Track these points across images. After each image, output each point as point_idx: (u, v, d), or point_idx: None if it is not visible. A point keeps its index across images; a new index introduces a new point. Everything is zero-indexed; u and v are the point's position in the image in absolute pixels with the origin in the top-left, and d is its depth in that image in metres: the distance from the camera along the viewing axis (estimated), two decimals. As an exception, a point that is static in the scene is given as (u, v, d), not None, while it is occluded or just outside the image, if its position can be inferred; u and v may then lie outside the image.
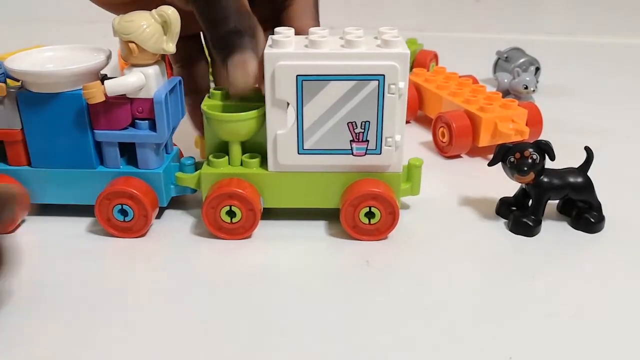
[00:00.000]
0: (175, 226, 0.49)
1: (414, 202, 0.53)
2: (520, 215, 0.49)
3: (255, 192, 0.47)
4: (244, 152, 0.49)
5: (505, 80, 0.74)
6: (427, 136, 0.67)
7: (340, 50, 0.45)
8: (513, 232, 0.49)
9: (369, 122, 0.46)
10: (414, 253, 0.46)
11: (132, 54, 0.44)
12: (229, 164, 0.49)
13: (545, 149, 0.47)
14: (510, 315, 0.40)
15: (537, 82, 0.73)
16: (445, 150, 0.63)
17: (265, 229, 0.49)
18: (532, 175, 0.47)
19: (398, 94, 0.45)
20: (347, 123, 0.46)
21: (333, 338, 0.38)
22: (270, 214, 0.49)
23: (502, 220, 0.51)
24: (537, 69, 0.83)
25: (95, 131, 0.46)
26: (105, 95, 0.44)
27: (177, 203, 0.52)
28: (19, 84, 0.46)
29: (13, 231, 0.48)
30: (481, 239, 0.48)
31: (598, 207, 0.49)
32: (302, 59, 0.44)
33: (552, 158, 0.48)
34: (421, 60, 0.88)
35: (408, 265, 0.45)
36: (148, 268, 0.45)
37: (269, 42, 0.46)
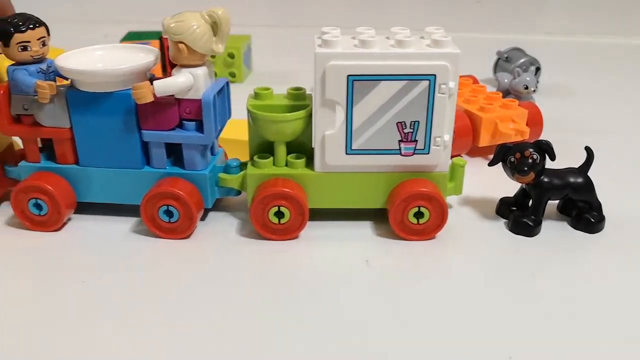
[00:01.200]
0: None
1: None
2: (520, 215, 0.49)
3: (303, 192, 0.47)
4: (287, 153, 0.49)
5: (506, 80, 0.74)
6: None
7: (392, 50, 0.44)
8: (513, 232, 0.49)
9: (418, 122, 0.46)
10: (413, 253, 0.46)
11: (181, 55, 0.44)
12: (274, 164, 0.48)
13: (545, 149, 0.47)
14: (510, 315, 0.40)
15: (538, 82, 0.73)
16: None
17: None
18: (532, 175, 0.47)
19: (448, 93, 0.45)
20: (396, 123, 0.46)
21: (333, 337, 0.38)
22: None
23: (503, 220, 0.51)
24: (538, 69, 0.83)
25: (143, 131, 0.46)
26: (154, 95, 0.44)
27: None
28: (68, 82, 0.46)
29: (59, 229, 0.48)
30: (481, 239, 0.48)
31: (598, 207, 0.49)
32: (353, 59, 0.44)
33: (553, 158, 0.48)
34: None
35: (407, 265, 0.45)
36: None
37: (318, 41, 0.45)
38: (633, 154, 0.56)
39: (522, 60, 0.83)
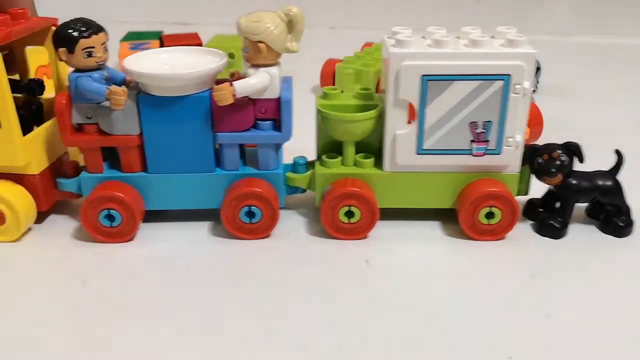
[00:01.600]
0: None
1: None
2: (546, 217, 0.49)
3: (372, 192, 0.47)
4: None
5: None
6: None
7: (466, 50, 0.44)
8: (539, 234, 0.49)
9: (491, 122, 0.46)
10: (418, 253, 0.47)
11: (260, 54, 0.44)
12: (342, 164, 0.49)
13: (574, 150, 0.47)
14: (512, 316, 0.40)
15: (538, 82, 0.73)
16: None
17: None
18: (560, 177, 0.47)
19: (522, 93, 0.45)
20: (469, 123, 0.46)
21: (333, 337, 0.38)
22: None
23: (530, 222, 0.50)
24: (538, 69, 0.82)
25: (218, 134, 0.46)
26: (234, 96, 0.44)
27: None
28: (126, 88, 0.45)
29: (130, 240, 0.47)
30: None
31: (627, 211, 0.49)
32: (427, 59, 0.44)
33: (581, 160, 0.47)
34: None
35: (411, 265, 0.45)
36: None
37: (391, 41, 0.45)
38: (633, 154, 0.55)
39: None
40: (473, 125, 0.46)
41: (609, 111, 0.78)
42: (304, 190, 0.50)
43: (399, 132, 0.46)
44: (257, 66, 0.45)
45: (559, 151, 0.47)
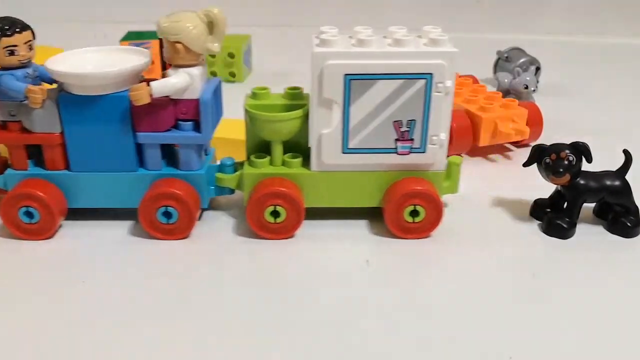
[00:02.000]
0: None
1: None
2: (554, 217, 0.49)
3: (299, 192, 0.47)
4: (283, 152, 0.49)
5: (506, 80, 0.74)
6: None
7: (389, 49, 0.44)
8: (546, 234, 0.49)
9: (415, 120, 0.46)
10: (418, 253, 0.47)
11: (178, 55, 0.43)
12: (271, 164, 0.48)
13: (582, 150, 0.47)
14: (515, 315, 0.40)
15: (538, 81, 0.73)
16: None
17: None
18: (567, 177, 0.47)
19: (445, 92, 0.45)
20: (393, 122, 0.46)
21: (332, 337, 0.38)
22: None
23: (536, 222, 0.50)
24: (538, 68, 0.83)
25: (138, 133, 0.45)
26: (151, 96, 0.43)
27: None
28: (54, 86, 0.45)
29: (49, 237, 0.47)
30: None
31: (635, 211, 0.49)
32: (350, 58, 0.44)
33: (589, 160, 0.47)
34: None
35: (410, 264, 0.45)
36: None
37: (316, 41, 0.45)
38: (634, 154, 0.56)
39: (522, 60, 0.83)
40: (397, 123, 0.46)
41: (609, 111, 0.79)
42: (232, 191, 0.50)
43: (324, 131, 0.46)
44: (178, 67, 0.45)
45: (567, 151, 0.47)
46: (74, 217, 0.48)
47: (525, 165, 0.49)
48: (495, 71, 0.86)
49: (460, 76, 0.73)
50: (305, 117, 0.47)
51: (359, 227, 0.49)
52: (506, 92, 0.73)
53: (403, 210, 0.47)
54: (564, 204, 0.49)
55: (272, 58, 0.98)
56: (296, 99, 0.48)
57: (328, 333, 0.38)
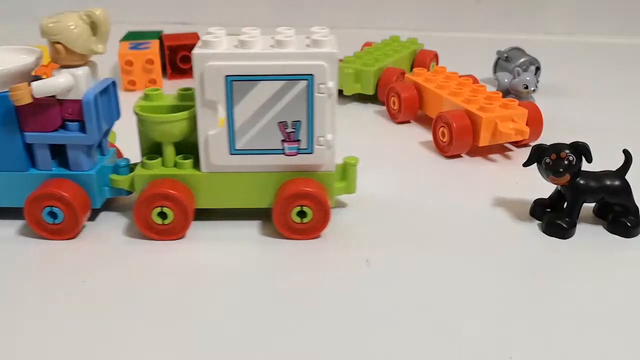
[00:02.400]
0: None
1: (421, 203, 0.54)
2: (554, 216, 0.49)
3: (188, 193, 0.47)
4: (178, 153, 0.49)
5: (506, 80, 0.75)
6: (427, 136, 0.68)
7: (269, 50, 0.45)
8: (546, 234, 0.49)
9: (300, 121, 0.46)
10: (418, 253, 0.46)
11: (59, 55, 0.44)
12: (163, 165, 0.49)
13: (582, 150, 0.47)
14: (513, 316, 0.40)
15: (538, 81, 0.73)
16: (445, 150, 0.64)
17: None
18: (567, 177, 0.47)
19: (327, 93, 0.45)
20: (278, 123, 0.46)
21: (333, 337, 0.38)
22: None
23: (536, 222, 0.50)
24: (538, 68, 0.84)
25: (26, 133, 0.46)
26: (33, 96, 0.44)
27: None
28: None
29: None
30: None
31: (635, 211, 0.49)
32: (231, 60, 0.44)
33: (589, 160, 0.47)
34: (421, 60, 0.89)
35: (412, 264, 0.45)
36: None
37: (199, 43, 0.46)
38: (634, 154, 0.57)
39: (522, 60, 0.84)
40: (282, 125, 0.46)
41: (609, 111, 0.79)
42: (129, 192, 0.50)
43: (210, 132, 0.46)
44: (63, 67, 0.45)
45: (567, 151, 0.47)
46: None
47: (525, 165, 0.49)
48: (495, 71, 0.87)
49: (460, 76, 0.74)
50: (194, 118, 0.47)
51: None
52: (506, 92, 0.73)
53: (290, 211, 0.47)
54: (563, 203, 0.49)
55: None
56: (187, 100, 0.49)
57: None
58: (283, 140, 0.47)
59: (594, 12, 1.23)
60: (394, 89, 0.73)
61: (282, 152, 0.47)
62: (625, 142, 0.51)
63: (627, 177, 0.49)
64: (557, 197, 0.50)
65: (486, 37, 1.13)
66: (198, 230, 0.49)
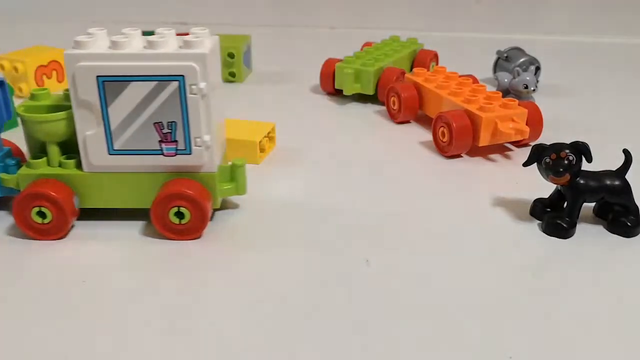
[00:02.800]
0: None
1: (418, 203, 0.54)
2: (554, 216, 0.48)
3: (67, 193, 0.48)
4: (65, 153, 0.49)
5: (506, 80, 0.74)
6: (427, 136, 0.68)
7: (140, 51, 0.45)
8: (546, 234, 0.48)
9: (175, 122, 0.46)
10: (417, 253, 0.46)
11: None
12: (48, 164, 0.49)
13: (582, 150, 0.47)
14: (512, 315, 0.40)
15: (538, 81, 0.73)
16: (445, 150, 0.64)
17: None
18: (567, 177, 0.47)
19: (200, 94, 0.45)
20: (154, 123, 0.46)
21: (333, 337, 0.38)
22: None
23: (536, 222, 0.50)
24: (537, 68, 0.83)
25: None
26: None
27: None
28: None
29: None
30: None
31: (635, 210, 0.48)
32: (101, 60, 0.44)
33: (589, 160, 0.47)
34: (421, 60, 0.89)
35: (411, 264, 0.45)
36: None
37: (72, 43, 0.46)
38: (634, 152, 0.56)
39: (521, 60, 0.83)
40: (158, 125, 0.46)
41: (609, 111, 0.79)
42: (19, 191, 0.50)
43: (88, 132, 0.46)
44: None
45: (567, 151, 0.47)
46: None
47: (525, 165, 0.49)
48: (495, 71, 0.87)
49: (459, 76, 0.73)
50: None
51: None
52: (506, 92, 0.73)
53: (168, 211, 0.47)
54: (563, 203, 0.49)
55: (272, 58, 0.98)
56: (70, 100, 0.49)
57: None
58: (160, 141, 0.47)
59: (593, 12, 1.22)
60: (394, 89, 0.73)
61: (160, 152, 0.47)
62: (625, 142, 0.51)
63: (627, 176, 0.48)
64: (557, 197, 0.50)
65: (486, 37, 1.12)
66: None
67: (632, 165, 0.48)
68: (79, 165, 0.48)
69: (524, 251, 0.47)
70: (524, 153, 0.51)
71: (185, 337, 0.38)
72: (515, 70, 0.72)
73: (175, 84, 0.45)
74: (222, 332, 0.38)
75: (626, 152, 0.48)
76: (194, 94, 0.45)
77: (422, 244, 0.48)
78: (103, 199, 0.49)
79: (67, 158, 0.49)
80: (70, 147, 0.49)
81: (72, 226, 0.49)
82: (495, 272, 0.44)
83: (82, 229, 0.49)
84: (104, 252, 0.47)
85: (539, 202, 0.51)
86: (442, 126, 0.63)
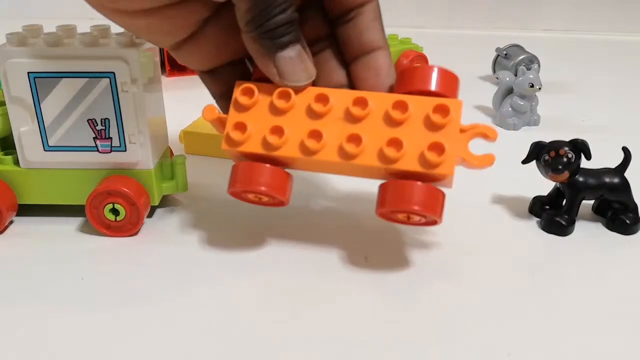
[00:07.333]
0: None
1: None
2: (553, 214, 0.48)
3: (5, 189, 0.48)
4: (6, 149, 0.49)
5: (507, 79, 0.74)
6: None
7: (72, 48, 0.44)
8: (545, 231, 0.48)
9: (109, 119, 0.46)
10: (416, 252, 0.46)
11: None
12: (-12, 160, 0.49)
13: (581, 147, 0.47)
14: (512, 313, 0.39)
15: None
16: None
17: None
18: (566, 174, 0.47)
19: (131, 91, 0.45)
20: (87, 120, 0.46)
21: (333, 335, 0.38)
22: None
23: (535, 219, 0.50)
24: (537, 65, 0.83)
25: None
26: None
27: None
28: None
29: None
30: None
31: (634, 208, 0.48)
32: (32, 56, 0.44)
33: (588, 157, 0.47)
34: (402, 60, 0.87)
35: (408, 262, 0.45)
36: None
37: (4, 39, 0.46)
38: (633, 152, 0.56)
39: (521, 57, 0.83)
40: (92, 122, 0.46)
41: (608, 108, 0.78)
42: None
43: (22, 128, 0.46)
44: None
45: (566, 148, 0.47)
46: None
47: (524, 162, 0.49)
48: (494, 68, 0.86)
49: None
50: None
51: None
52: (509, 91, 0.72)
53: (102, 208, 0.47)
54: (562, 201, 0.49)
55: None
56: (11, 97, 0.48)
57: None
58: (95, 138, 0.46)
59: (592, 9, 1.21)
60: None
61: (96, 149, 0.47)
62: (624, 140, 0.51)
63: (626, 174, 0.48)
64: (556, 194, 0.50)
65: (485, 34, 1.12)
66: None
67: (631, 163, 0.48)
68: (17, 162, 0.48)
69: (523, 248, 0.47)
70: (523, 151, 0.50)
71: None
72: (518, 69, 0.72)
73: (106, 81, 0.45)
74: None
75: (625, 150, 0.48)
76: (126, 91, 0.45)
77: (419, 241, 0.47)
78: (40, 195, 0.49)
79: (6, 154, 0.49)
80: (12, 143, 0.49)
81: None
82: (494, 269, 0.44)
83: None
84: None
85: (538, 199, 0.51)
86: None
